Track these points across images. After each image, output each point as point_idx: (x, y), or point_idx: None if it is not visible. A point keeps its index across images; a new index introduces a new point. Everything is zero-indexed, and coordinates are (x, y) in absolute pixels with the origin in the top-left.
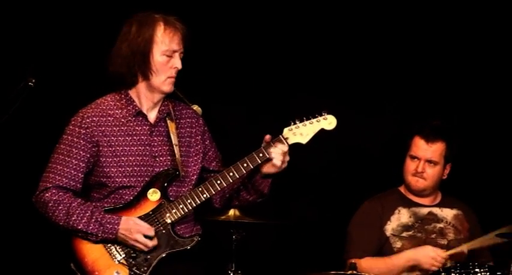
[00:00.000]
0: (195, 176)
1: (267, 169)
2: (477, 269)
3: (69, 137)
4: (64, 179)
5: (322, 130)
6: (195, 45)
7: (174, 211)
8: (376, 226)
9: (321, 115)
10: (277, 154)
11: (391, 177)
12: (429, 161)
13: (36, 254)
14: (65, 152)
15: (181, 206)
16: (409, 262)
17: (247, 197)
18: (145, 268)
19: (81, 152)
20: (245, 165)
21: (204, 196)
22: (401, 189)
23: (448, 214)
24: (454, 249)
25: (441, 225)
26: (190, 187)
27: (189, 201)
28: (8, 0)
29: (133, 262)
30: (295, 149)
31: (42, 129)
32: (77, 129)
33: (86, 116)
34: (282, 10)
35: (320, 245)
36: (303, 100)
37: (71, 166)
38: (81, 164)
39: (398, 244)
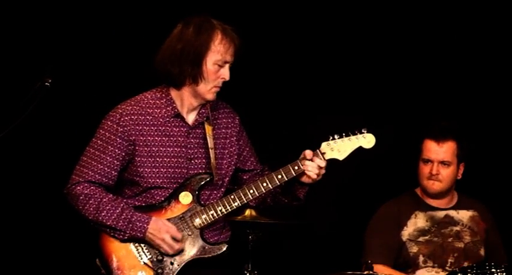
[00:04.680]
0: (228, 179)
1: (303, 179)
2: (493, 270)
3: (107, 134)
4: (97, 176)
5: (360, 148)
6: None
7: (204, 216)
8: (393, 230)
9: (360, 132)
10: (313, 168)
11: (409, 178)
12: (442, 163)
13: (63, 248)
14: (101, 148)
15: (211, 212)
16: None
17: (283, 199)
18: (170, 272)
19: (116, 150)
20: (279, 177)
21: (236, 204)
22: (418, 191)
23: (464, 216)
24: None
25: (457, 228)
26: (223, 190)
27: (219, 208)
28: (24, 1)
29: (158, 265)
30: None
31: (58, 129)
32: (114, 126)
33: (124, 113)
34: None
35: (336, 246)
36: (311, 104)
37: (105, 163)
38: (115, 162)
39: (414, 249)
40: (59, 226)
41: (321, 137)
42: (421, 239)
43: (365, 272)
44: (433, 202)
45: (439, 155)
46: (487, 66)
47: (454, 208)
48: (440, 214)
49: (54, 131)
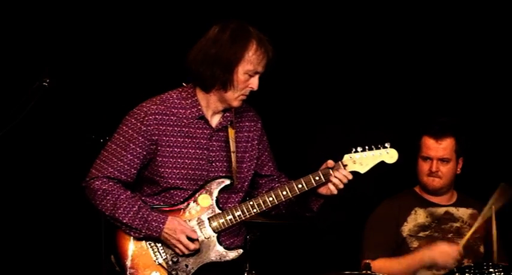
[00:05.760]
0: (247, 183)
1: (321, 190)
2: (491, 270)
3: (130, 131)
4: (116, 172)
5: (382, 162)
6: None
7: (221, 220)
8: (392, 227)
9: (384, 147)
10: (334, 180)
11: (407, 177)
12: (442, 159)
13: (80, 243)
14: (122, 145)
15: (229, 217)
16: (424, 260)
17: (296, 209)
18: (184, 274)
19: (137, 149)
20: (300, 186)
21: (254, 211)
22: (417, 189)
23: (464, 213)
24: (464, 238)
25: (457, 224)
26: (241, 194)
27: (238, 214)
28: (23, 1)
29: (173, 266)
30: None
31: (57, 129)
32: (138, 124)
33: (149, 112)
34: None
35: (335, 246)
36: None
37: (125, 160)
38: (135, 160)
39: (415, 244)
40: (75, 221)
41: (333, 144)
42: (421, 234)
43: (363, 272)
44: (433, 199)
45: (438, 152)
46: (483, 61)
47: (454, 205)
48: (441, 210)
49: (53, 131)
